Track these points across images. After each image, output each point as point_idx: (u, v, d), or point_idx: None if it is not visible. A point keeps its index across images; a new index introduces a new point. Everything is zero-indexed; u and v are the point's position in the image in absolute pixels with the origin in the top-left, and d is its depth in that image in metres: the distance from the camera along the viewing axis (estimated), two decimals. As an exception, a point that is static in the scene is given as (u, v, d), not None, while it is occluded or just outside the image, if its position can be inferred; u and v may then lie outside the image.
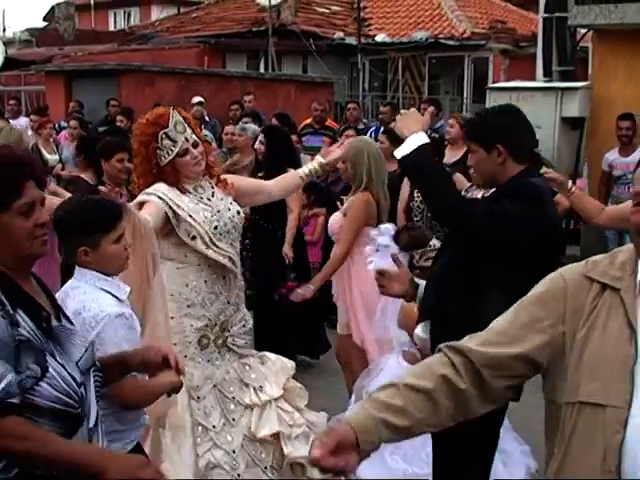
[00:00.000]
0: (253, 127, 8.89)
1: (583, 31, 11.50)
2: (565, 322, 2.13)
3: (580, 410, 2.05)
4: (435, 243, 4.93)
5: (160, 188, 4.00)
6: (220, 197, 4.23)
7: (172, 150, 4.05)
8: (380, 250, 5.23)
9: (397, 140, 8.43)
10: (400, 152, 3.61)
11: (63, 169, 9.99)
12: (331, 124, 11.66)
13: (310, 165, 4.79)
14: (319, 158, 4.76)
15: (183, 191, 4.08)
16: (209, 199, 4.19)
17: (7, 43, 20.89)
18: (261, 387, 4.28)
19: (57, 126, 11.91)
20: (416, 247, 4.96)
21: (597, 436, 2.00)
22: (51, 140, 10.93)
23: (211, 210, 4.12)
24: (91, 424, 2.40)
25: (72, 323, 2.49)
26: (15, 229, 2.27)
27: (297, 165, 7.25)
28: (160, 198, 3.99)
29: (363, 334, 5.66)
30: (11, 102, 12.69)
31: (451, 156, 8.48)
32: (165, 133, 4.06)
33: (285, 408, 4.35)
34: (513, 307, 2.24)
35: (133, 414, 3.17)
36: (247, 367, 4.31)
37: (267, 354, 4.51)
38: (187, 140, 4.10)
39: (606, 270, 2.14)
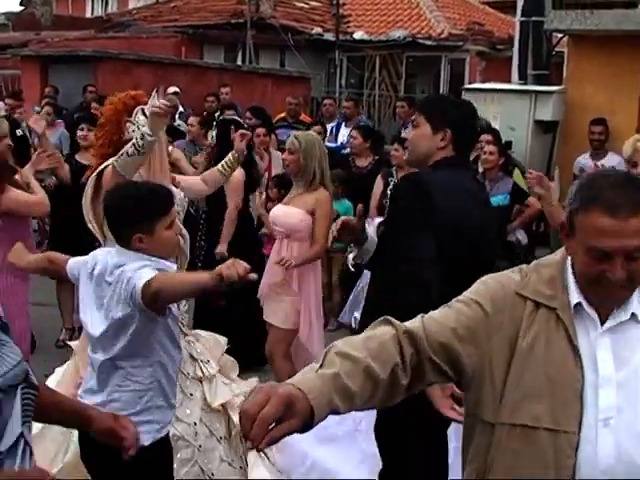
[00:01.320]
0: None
1: (559, 36, 11.62)
2: (501, 336, 2.10)
3: (522, 433, 2.03)
4: None
5: None
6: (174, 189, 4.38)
7: (143, 126, 4.11)
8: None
9: (370, 135, 8.55)
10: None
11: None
12: (305, 118, 11.70)
13: (227, 159, 5.04)
14: (234, 152, 4.98)
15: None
16: None
17: (-18, 26, 20.66)
18: (208, 360, 4.49)
19: (32, 111, 11.84)
20: None
21: (547, 460, 2.00)
22: (23, 125, 10.87)
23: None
24: (2, 447, 2.12)
25: (7, 331, 2.27)
26: None
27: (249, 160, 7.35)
28: None
29: (314, 335, 5.69)
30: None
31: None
32: (142, 109, 4.13)
33: (224, 381, 4.60)
34: (453, 305, 2.17)
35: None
36: (191, 343, 4.48)
37: (199, 331, 4.76)
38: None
39: (537, 287, 2.12)
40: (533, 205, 7.58)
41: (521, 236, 7.78)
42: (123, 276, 3.11)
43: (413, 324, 2.11)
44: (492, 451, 2.07)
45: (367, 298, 3.79)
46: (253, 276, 2.78)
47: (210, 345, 4.68)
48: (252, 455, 4.58)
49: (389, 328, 2.09)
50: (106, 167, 4.20)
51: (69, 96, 12.80)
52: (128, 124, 4.21)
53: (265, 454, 4.60)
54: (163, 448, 3.40)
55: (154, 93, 4.23)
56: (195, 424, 4.28)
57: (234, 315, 6.78)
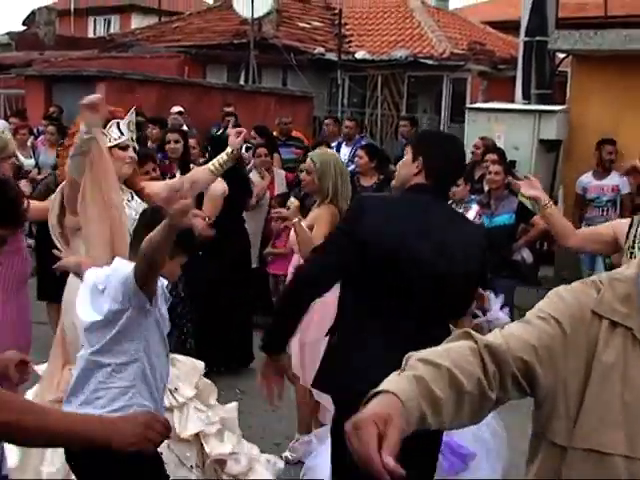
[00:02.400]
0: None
1: (562, 56, 11.68)
2: (577, 356, 1.99)
3: (597, 459, 1.94)
4: None
5: None
6: (138, 201, 4.40)
7: (115, 140, 4.11)
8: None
9: (375, 155, 8.56)
10: None
11: (39, 174, 9.97)
12: (296, 134, 11.75)
13: (218, 159, 4.90)
14: (228, 149, 4.88)
15: None
16: (129, 201, 4.36)
17: (-14, 46, 20.76)
18: (176, 389, 4.41)
19: (36, 131, 11.89)
20: None
21: None
22: (28, 144, 10.92)
23: (135, 209, 4.26)
24: None
25: None
26: None
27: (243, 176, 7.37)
28: None
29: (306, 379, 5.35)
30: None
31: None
32: (117, 123, 4.13)
33: (199, 407, 4.51)
34: (532, 322, 2.05)
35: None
36: None
37: (176, 356, 4.64)
38: (132, 140, 4.21)
39: (613, 305, 2.00)
40: (538, 224, 7.58)
41: (526, 255, 7.78)
42: (116, 272, 3.26)
43: (494, 339, 2.00)
44: (564, 475, 1.98)
45: None
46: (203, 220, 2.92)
47: (186, 369, 4.63)
48: None
49: (469, 342, 1.98)
50: None
51: (73, 116, 12.79)
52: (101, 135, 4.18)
53: None
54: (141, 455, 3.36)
55: (131, 110, 4.29)
56: (161, 453, 4.17)
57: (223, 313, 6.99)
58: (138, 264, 3.11)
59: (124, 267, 3.26)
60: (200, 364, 4.73)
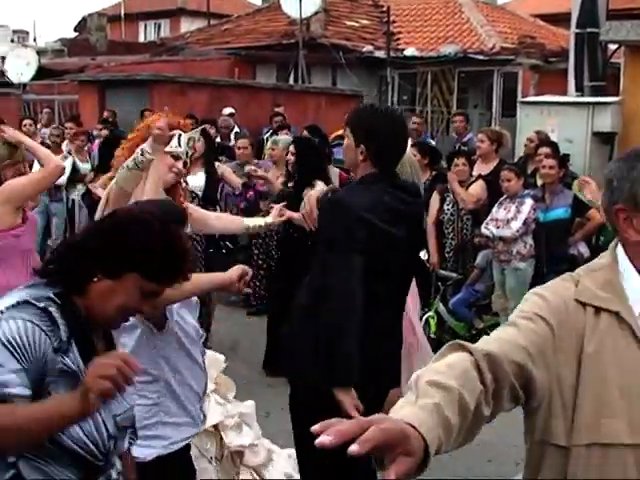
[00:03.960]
0: (285, 138, 8.97)
1: (614, 47, 11.53)
2: (565, 350, 1.94)
3: (600, 452, 1.88)
4: None
5: None
6: None
7: (171, 147, 4.14)
8: None
9: (428, 152, 8.55)
10: None
11: (95, 178, 10.13)
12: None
13: (257, 221, 4.96)
14: (267, 218, 4.91)
15: None
16: None
17: (39, 53, 21.09)
18: None
19: (90, 135, 12.07)
20: None
21: (631, 476, 1.86)
22: (85, 149, 11.09)
23: None
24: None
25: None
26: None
27: (326, 177, 7.34)
28: None
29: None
30: (46, 110, 12.85)
31: (482, 169, 8.54)
32: (180, 135, 4.16)
33: (218, 400, 4.55)
34: (518, 323, 1.99)
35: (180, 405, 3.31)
36: None
37: None
38: (185, 155, 4.23)
39: (594, 291, 1.98)
40: (594, 218, 7.52)
41: (583, 249, 7.71)
42: None
43: (487, 346, 1.91)
44: (569, 476, 1.92)
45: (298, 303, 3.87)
46: None
47: (208, 363, 4.69)
48: (245, 477, 4.59)
49: (465, 354, 1.87)
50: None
51: (126, 119, 13.00)
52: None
53: (260, 475, 4.62)
54: (173, 463, 3.38)
55: (197, 130, 4.37)
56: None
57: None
58: None
59: None
60: (221, 358, 4.77)
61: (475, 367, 1.83)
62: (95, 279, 2.21)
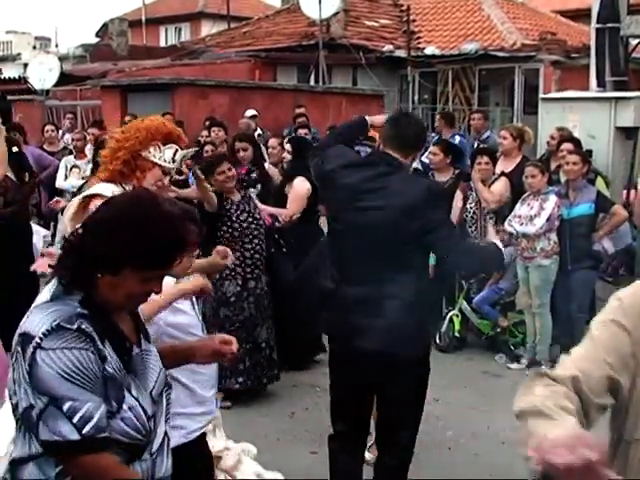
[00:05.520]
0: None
1: (635, 42, 11.45)
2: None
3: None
4: None
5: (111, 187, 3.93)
6: None
7: (165, 161, 4.11)
8: None
9: (450, 151, 8.55)
10: None
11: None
12: (373, 134, 11.68)
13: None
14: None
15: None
16: None
17: (62, 59, 21.23)
18: None
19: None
20: None
21: None
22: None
23: None
24: (154, 448, 2.38)
25: (149, 341, 2.51)
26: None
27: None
28: None
29: None
30: (69, 116, 12.92)
31: (505, 166, 8.51)
32: (176, 149, 4.13)
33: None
34: (593, 336, 2.05)
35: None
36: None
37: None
38: (172, 170, 4.21)
39: None
40: (619, 213, 7.48)
41: (607, 245, 7.67)
42: None
43: (569, 371, 1.98)
44: (628, 471, 1.98)
45: None
46: None
47: None
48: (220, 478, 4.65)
49: (556, 386, 1.96)
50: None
51: (149, 123, 13.07)
52: (152, 149, 4.17)
53: (232, 477, 4.68)
54: (193, 450, 3.50)
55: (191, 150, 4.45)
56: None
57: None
58: None
59: None
60: None
61: (568, 397, 1.92)
62: (99, 275, 2.24)
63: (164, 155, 4.10)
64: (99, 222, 2.29)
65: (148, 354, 2.44)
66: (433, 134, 11.50)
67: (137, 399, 2.28)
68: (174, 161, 4.14)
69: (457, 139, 10.05)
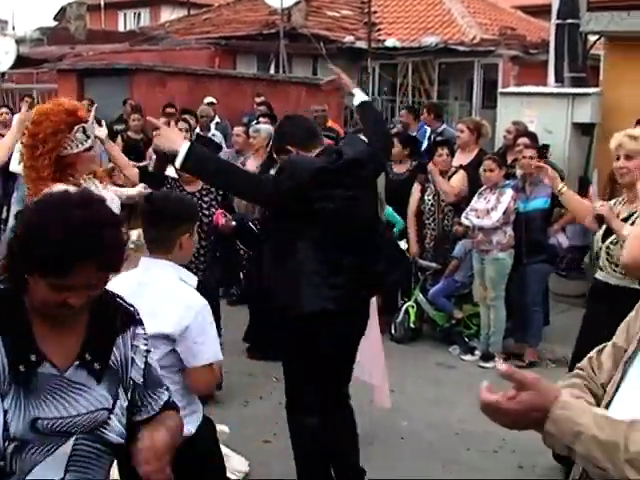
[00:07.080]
0: (266, 127, 8.95)
1: (594, 38, 11.55)
2: None
3: None
4: None
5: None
6: (106, 191, 4.47)
7: (83, 144, 4.11)
8: None
9: (408, 143, 8.55)
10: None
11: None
12: (333, 125, 11.68)
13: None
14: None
15: (78, 186, 4.12)
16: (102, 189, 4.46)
17: (18, 41, 20.87)
18: None
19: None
20: None
21: None
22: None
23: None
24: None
25: (99, 381, 2.23)
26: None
27: None
28: None
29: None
30: (27, 99, 12.70)
31: (462, 159, 8.55)
32: (83, 127, 4.13)
33: None
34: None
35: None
36: None
37: None
38: (94, 142, 4.26)
39: None
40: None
41: (562, 239, 7.74)
42: None
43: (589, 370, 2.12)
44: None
45: None
46: None
47: None
48: None
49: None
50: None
51: (105, 108, 12.89)
52: (68, 141, 4.16)
53: None
54: (207, 428, 3.62)
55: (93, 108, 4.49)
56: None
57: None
58: None
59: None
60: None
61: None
62: (26, 276, 2.13)
63: (77, 140, 4.10)
64: (20, 224, 2.21)
65: (75, 386, 2.18)
66: (392, 125, 11.55)
67: (5, 411, 2.07)
68: (88, 137, 4.16)
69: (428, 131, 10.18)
